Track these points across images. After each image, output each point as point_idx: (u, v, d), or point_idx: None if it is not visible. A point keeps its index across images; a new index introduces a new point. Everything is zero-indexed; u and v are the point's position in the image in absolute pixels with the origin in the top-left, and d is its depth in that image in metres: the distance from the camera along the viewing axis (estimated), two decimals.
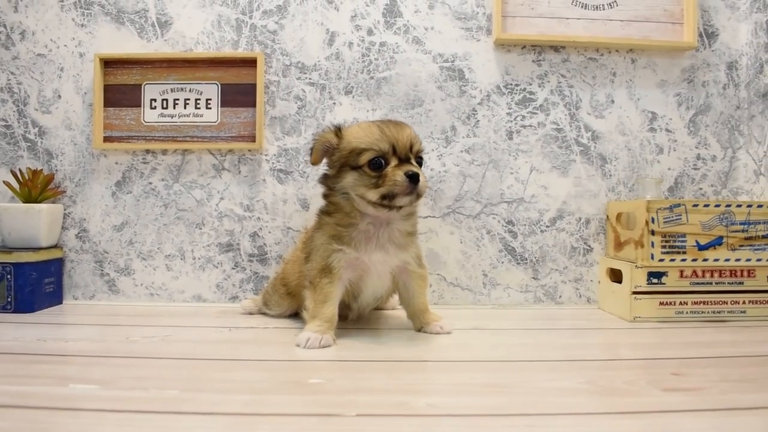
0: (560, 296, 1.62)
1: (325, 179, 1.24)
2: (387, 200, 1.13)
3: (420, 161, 1.20)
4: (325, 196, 1.24)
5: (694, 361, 1.04)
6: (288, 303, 1.39)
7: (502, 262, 1.61)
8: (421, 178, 1.12)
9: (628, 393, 0.86)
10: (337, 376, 0.96)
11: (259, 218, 1.60)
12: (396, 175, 1.12)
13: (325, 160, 1.23)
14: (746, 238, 1.40)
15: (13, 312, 1.43)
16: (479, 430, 0.72)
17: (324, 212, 1.24)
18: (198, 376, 0.94)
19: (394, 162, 1.14)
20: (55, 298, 1.56)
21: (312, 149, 1.21)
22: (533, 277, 1.61)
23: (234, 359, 1.05)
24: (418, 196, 1.14)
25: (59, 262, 1.58)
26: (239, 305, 1.50)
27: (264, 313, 1.45)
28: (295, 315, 1.38)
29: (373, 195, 1.13)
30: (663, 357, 1.09)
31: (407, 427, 0.72)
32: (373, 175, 1.14)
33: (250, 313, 1.46)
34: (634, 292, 1.38)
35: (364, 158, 1.14)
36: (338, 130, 1.19)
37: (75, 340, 1.18)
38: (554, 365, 1.03)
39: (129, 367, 0.99)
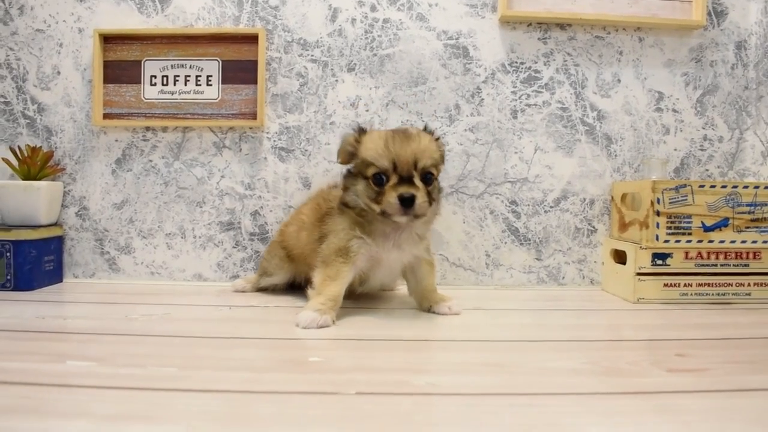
0: (563, 277, 1.60)
1: (346, 177, 1.22)
2: (386, 216, 1.12)
3: (429, 177, 1.15)
4: (345, 189, 1.23)
5: (698, 343, 1.03)
6: (288, 266, 1.40)
7: (505, 243, 1.59)
8: (417, 200, 1.09)
9: (631, 373, 0.85)
10: (338, 354, 0.95)
11: (260, 197, 1.59)
12: (390, 196, 1.10)
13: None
14: (752, 220, 1.38)
15: (13, 290, 1.42)
16: (479, 408, 0.71)
17: (344, 204, 1.22)
18: (196, 353, 0.93)
19: (393, 180, 1.11)
20: (55, 276, 1.55)
21: (339, 151, 1.21)
22: (536, 258, 1.60)
23: (233, 337, 1.04)
24: (416, 216, 1.12)
25: (59, 240, 1.57)
26: (231, 284, 1.50)
27: (262, 288, 1.46)
28: (298, 290, 1.38)
29: (376, 208, 1.13)
30: (667, 338, 1.08)
31: (407, 405, 0.72)
32: (375, 190, 1.13)
33: (243, 291, 1.47)
34: (639, 274, 1.37)
35: (370, 172, 1.13)
36: (359, 135, 1.18)
37: (74, 318, 1.18)
38: (556, 345, 1.02)
39: (127, 345, 0.98)
